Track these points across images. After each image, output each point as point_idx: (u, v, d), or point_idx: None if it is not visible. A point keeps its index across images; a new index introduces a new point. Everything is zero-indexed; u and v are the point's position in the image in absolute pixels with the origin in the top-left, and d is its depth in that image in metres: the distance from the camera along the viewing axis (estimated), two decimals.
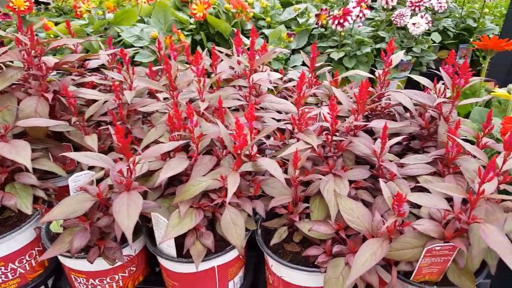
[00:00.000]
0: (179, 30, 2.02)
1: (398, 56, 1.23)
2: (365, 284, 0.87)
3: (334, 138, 1.06)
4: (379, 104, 1.29)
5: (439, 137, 1.06)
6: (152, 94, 1.40)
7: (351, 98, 1.23)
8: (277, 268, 1.00)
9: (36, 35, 1.44)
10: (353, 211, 0.92)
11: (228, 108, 1.22)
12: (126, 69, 1.30)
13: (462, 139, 1.12)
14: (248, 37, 2.30)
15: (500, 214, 0.81)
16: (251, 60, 1.17)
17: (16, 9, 1.70)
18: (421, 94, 1.15)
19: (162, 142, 1.07)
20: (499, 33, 2.39)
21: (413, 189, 1.01)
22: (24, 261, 1.11)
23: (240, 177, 1.03)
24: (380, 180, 0.91)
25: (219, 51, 1.26)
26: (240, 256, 1.06)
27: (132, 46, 1.94)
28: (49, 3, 2.84)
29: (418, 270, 0.86)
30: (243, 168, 0.98)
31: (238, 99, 1.23)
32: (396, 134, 1.26)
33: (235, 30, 1.85)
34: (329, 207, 0.97)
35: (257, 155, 1.01)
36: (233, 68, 1.35)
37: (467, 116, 1.36)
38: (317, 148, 0.99)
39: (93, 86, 1.43)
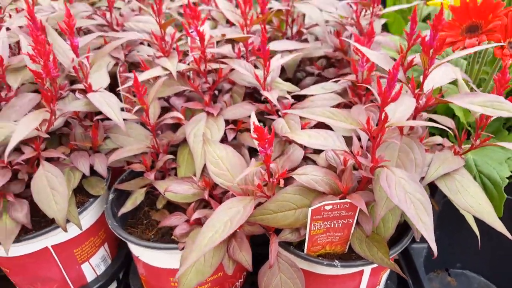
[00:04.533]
0: None
1: None
2: (235, 262, 0.61)
3: (210, 64, 0.76)
4: (293, 28, 0.99)
5: (351, 56, 0.78)
6: None
7: None
8: (131, 245, 0.72)
9: None
10: (222, 161, 0.64)
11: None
12: None
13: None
14: None
15: (419, 154, 0.55)
16: None
17: None
18: (333, 2, 0.86)
19: None
20: None
21: (316, 127, 0.75)
22: None
23: (77, 123, 0.74)
24: (252, 113, 0.63)
25: None
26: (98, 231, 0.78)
27: None
28: None
29: (310, 240, 0.60)
30: (69, 107, 0.68)
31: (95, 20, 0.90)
32: (309, 65, 0.98)
33: None
34: (194, 158, 0.69)
35: (94, 90, 0.71)
36: None
37: None
38: (175, 74, 0.70)
39: None
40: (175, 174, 0.75)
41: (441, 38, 0.54)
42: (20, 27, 0.80)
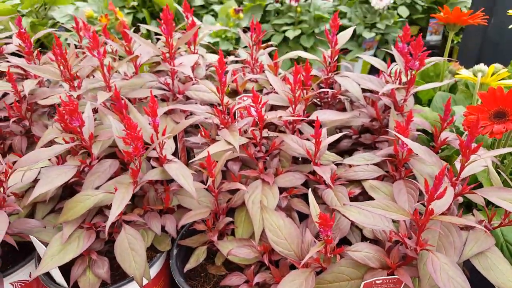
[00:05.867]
0: (118, 8, 1.79)
1: (345, 35, 1.03)
2: None
3: (264, 135, 0.87)
4: (329, 91, 1.10)
5: (390, 132, 0.88)
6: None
7: None
8: None
9: None
10: (280, 230, 0.74)
11: (144, 99, 1.02)
12: (29, 52, 1.08)
13: (420, 131, 0.95)
14: (198, 15, 2.07)
15: (457, 237, 0.64)
16: (167, 40, 0.96)
17: None
18: (371, 78, 0.96)
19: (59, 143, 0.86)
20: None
21: (360, 196, 0.84)
22: None
23: (150, 187, 0.84)
24: (309, 190, 0.73)
25: (147, 30, 1.05)
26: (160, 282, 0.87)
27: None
28: None
29: None
30: (147, 176, 0.79)
31: (160, 88, 1.02)
32: (347, 128, 1.08)
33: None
34: (253, 223, 0.78)
35: (168, 158, 0.81)
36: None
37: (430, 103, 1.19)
38: (238, 149, 0.80)
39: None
40: (232, 233, 0.85)
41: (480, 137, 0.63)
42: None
